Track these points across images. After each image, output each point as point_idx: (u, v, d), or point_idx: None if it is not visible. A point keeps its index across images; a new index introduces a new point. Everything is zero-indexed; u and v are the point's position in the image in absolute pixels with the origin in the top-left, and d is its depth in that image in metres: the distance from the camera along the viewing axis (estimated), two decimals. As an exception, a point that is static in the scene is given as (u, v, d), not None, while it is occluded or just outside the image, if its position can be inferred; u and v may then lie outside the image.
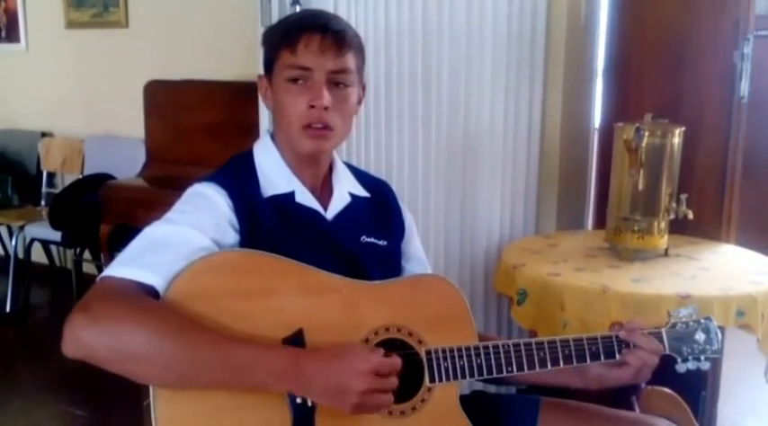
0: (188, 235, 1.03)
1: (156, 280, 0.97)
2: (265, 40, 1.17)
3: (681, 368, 1.23)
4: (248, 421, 0.98)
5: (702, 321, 1.24)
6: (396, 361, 1.00)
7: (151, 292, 0.97)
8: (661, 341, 1.20)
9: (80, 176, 3.74)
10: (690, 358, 1.22)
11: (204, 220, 1.06)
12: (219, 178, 1.13)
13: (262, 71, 1.20)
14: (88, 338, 0.91)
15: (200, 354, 0.93)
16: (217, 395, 0.96)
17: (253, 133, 1.33)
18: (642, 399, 1.78)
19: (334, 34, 1.10)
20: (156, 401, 0.95)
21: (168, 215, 1.08)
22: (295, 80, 1.10)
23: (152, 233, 1.04)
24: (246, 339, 0.97)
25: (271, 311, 1.02)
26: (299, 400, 0.99)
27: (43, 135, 4.04)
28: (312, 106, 1.09)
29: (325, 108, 1.10)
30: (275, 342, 1.00)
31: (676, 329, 1.22)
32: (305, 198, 1.17)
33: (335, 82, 1.11)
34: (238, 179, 1.14)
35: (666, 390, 1.81)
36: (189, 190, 1.13)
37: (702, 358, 1.23)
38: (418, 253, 1.33)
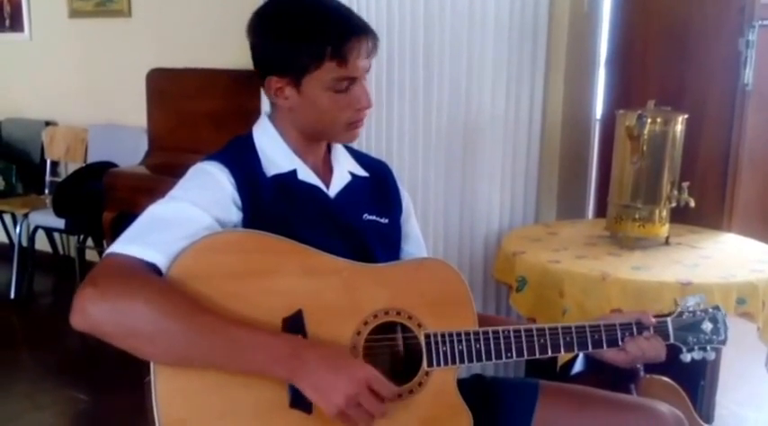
0: (191, 212, 1.04)
1: (159, 258, 0.98)
2: (285, 44, 1.09)
3: (685, 357, 1.22)
4: (247, 399, 0.99)
5: (710, 310, 1.23)
6: (391, 388, 1.01)
7: (154, 270, 0.98)
8: (666, 330, 1.20)
9: (83, 164, 3.74)
10: (695, 347, 1.21)
11: (207, 198, 1.07)
12: (221, 157, 1.14)
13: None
14: (96, 311, 0.92)
15: (204, 336, 0.94)
16: (216, 374, 0.97)
17: (253, 120, 1.34)
18: (641, 387, 1.79)
19: (373, 37, 1.12)
20: (156, 377, 0.95)
21: (172, 192, 1.09)
22: (339, 90, 1.11)
23: (156, 210, 1.05)
24: (250, 323, 0.98)
25: (271, 291, 1.03)
26: None
27: (47, 124, 4.04)
28: (359, 109, 1.14)
29: None
30: (277, 329, 1.01)
31: (683, 318, 1.22)
32: (307, 175, 1.18)
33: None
34: (240, 158, 1.15)
35: (665, 379, 1.81)
36: (192, 168, 1.13)
37: (708, 348, 1.22)
38: (416, 233, 1.34)
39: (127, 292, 0.93)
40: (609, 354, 1.19)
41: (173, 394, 0.96)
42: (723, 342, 1.22)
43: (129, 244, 0.99)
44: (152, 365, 0.96)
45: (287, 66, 1.10)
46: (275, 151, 1.18)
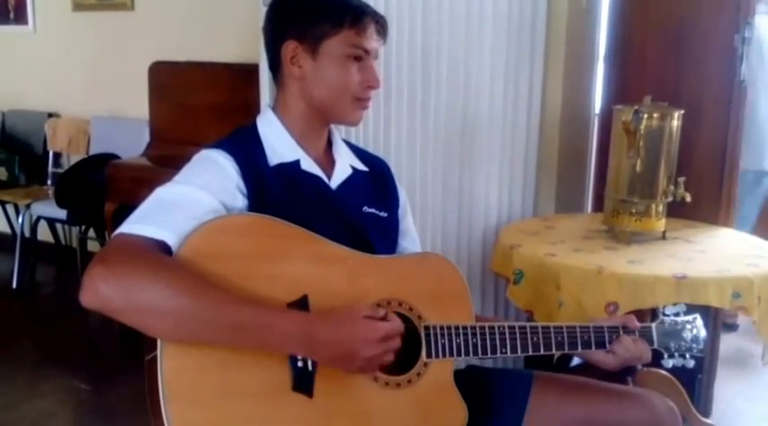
0: (197, 196, 1.05)
1: (169, 237, 0.98)
2: (307, 9, 1.16)
3: (667, 363, 1.28)
4: (250, 378, 1.00)
5: (691, 319, 1.28)
6: (399, 326, 1.05)
7: (164, 248, 0.98)
8: (650, 335, 1.25)
9: (86, 156, 3.76)
10: (676, 354, 1.27)
11: (213, 183, 1.08)
12: (225, 145, 1.15)
13: (264, 49, 1.22)
14: (106, 289, 0.92)
15: (215, 312, 0.95)
16: (221, 352, 0.98)
17: (253, 114, 1.36)
18: (637, 380, 1.80)
19: (383, 21, 1.20)
20: (162, 352, 0.96)
21: (177, 177, 1.10)
22: (354, 58, 1.16)
23: (163, 193, 1.06)
24: (259, 300, 1.00)
25: (278, 276, 1.04)
26: (300, 363, 1.01)
27: (50, 115, 4.06)
28: (369, 86, 1.18)
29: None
30: (285, 307, 1.02)
31: (665, 325, 1.27)
32: (310, 166, 1.20)
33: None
34: (244, 147, 1.16)
35: (663, 372, 1.82)
36: (196, 156, 1.15)
37: (687, 355, 1.27)
38: (412, 230, 1.37)
39: (138, 269, 0.94)
40: (598, 356, 1.23)
41: (178, 370, 0.96)
42: (702, 351, 1.27)
43: (138, 224, 1.00)
44: (159, 341, 0.96)
45: (307, 30, 1.15)
46: (279, 141, 1.19)
